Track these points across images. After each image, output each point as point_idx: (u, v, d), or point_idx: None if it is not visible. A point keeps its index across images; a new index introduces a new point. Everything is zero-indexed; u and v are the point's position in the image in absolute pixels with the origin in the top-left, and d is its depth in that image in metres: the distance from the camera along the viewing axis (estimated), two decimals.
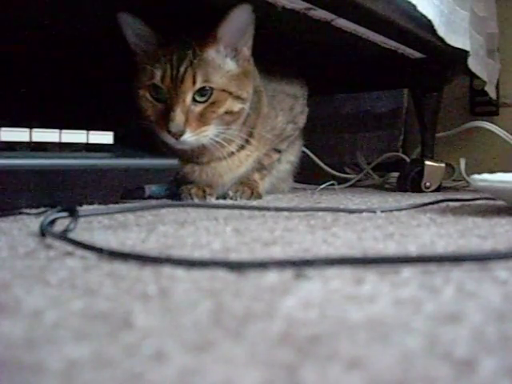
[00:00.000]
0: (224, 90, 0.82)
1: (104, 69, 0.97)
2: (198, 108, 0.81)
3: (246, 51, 0.86)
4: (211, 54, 0.82)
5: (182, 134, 0.79)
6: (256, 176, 1.01)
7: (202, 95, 0.81)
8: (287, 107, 1.05)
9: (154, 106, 0.83)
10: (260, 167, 1.02)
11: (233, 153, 0.92)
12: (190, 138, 0.80)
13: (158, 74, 0.81)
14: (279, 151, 1.07)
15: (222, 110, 0.82)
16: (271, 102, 1.00)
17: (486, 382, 0.18)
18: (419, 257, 0.36)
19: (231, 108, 0.83)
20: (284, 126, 1.05)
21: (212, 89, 0.81)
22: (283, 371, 0.19)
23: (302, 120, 1.11)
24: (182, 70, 0.80)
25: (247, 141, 0.94)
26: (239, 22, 0.81)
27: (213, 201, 0.90)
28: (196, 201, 0.88)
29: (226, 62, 0.84)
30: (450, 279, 0.31)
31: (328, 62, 1.24)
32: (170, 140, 0.81)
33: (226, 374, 0.18)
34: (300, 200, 0.95)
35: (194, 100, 0.81)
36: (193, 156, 0.90)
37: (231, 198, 0.93)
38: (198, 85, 0.80)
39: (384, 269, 0.34)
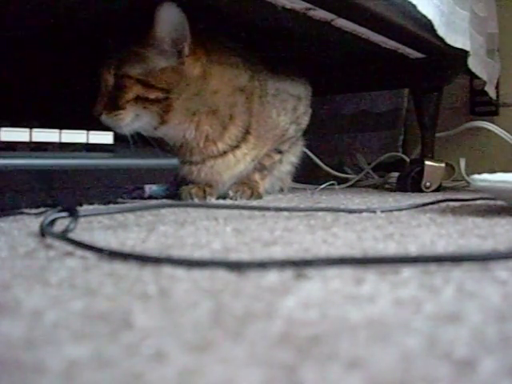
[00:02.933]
0: (129, 77, 0.85)
1: None
2: (115, 93, 0.86)
3: (186, 48, 0.85)
4: (140, 49, 0.85)
5: (100, 114, 0.86)
6: (257, 176, 1.01)
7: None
8: (290, 107, 1.05)
9: None
10: (261, 167, 1.02)
11: (225, 152, 0.92)
12: (106, 119, 0.86)
13: None
14: (281, 152, 1.07)
15: (129, 96, 0.85)
16: (273, 102, 1.00)
17: (486, 382, 0.18)
18: (419, 257, 0.36)
19: (145, 95, 0.85)
20: (287, 126, 1.04)
21: (124, 76, 0.86)
22: (283, 371, 0.19)
23: (305, 121, 1.11)
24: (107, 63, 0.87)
25: (243, 139, 0.94)
26: (167, 19, 0.82)
27: (213, 201, 0.91)
28: (196, 201, 0.88)
29: (157, 57, 0.85)
30: (450, 279, 0.31)
31: (328, 62, 1.24)
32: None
33: (226, 373, 0.18)
34: (300, 200, 0.95)
35: (117, 87, 0.86)
36: (180, 153, 0.91)
37: (231, 198, 0.93)
38: (112, 72, 0.86)
39: (384, 269, 0.34)
